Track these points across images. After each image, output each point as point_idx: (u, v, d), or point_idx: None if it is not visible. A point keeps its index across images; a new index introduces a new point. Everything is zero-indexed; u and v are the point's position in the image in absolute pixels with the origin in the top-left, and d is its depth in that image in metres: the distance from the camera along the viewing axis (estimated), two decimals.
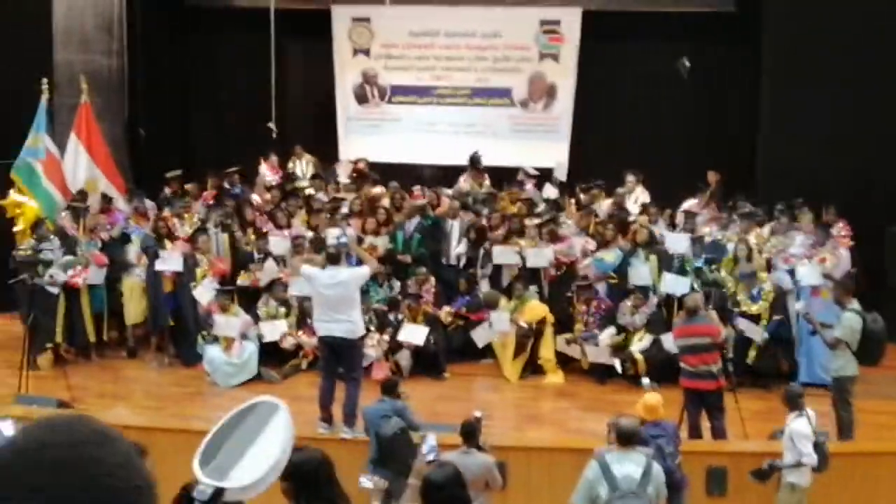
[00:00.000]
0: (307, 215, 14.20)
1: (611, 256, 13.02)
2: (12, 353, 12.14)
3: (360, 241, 13.13)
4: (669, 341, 11.62)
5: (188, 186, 14.98)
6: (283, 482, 5.04)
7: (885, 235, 13.85)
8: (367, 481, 7.76)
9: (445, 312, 13.08)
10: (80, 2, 14.87)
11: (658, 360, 11.97)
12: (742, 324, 12.05)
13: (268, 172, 15.53)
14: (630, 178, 15.06)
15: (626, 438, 6.92)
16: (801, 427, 8.44)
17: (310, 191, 15.06)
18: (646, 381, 10.69)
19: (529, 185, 15.30)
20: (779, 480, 8.61)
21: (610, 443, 7.77)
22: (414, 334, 12.54)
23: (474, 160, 15.62)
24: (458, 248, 13.85)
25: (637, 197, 14.88)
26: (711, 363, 9.96)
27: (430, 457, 6.96)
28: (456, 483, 5.52)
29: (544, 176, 15.67)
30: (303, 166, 15.92)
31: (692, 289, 12.01)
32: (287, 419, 4.58)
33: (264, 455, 4.42)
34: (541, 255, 13.14)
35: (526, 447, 9.86)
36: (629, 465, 6.73)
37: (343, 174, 15.88)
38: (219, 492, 4.28)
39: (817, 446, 8.41)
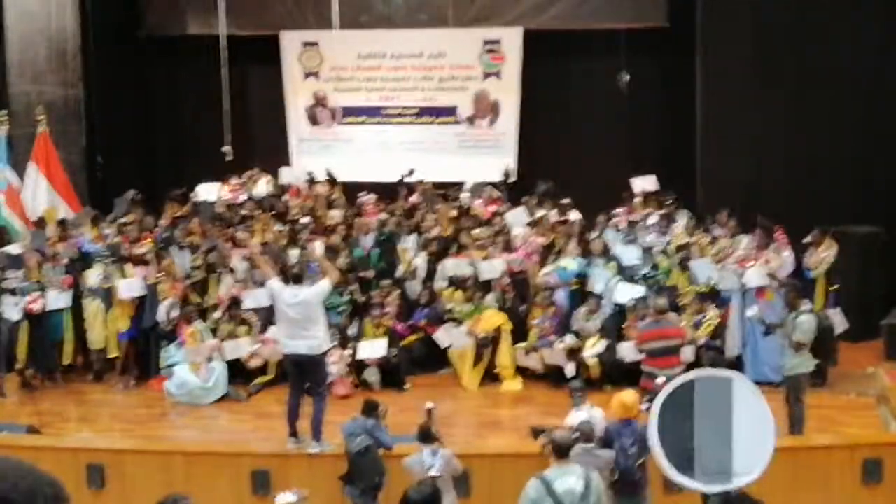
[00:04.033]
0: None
1: (573, 264, 13.19)
2: None
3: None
4: (625, 349, 11.89)
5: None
6: None
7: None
8: (285, 496, 7.39)
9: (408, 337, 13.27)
10: (33, 34, 14.82)
11: (610, 364, 12.22)
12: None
13: (228, 195, 15.53)
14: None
15: (562, 452, 6.75)
16: (573, 421, 8.69)
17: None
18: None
19: (478, 200, 15.44)
20: None
21: (545, 456, 7.74)
22: (373, 349, 12.64)
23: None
24: (415, 260, 13.93)
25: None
26: (676, 365, 10.22)
27: (433, 472, 7.01)
28: (432, 502, 5.45)
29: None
30: (262, 187, 15.90)
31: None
32: (748, 385, 4.59)
33: (759, 434, 4.43)
34: (493, 267, 13.35)
35: (488, 454, 9.89)
36: (570, 479, 6.57)
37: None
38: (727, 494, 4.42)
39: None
